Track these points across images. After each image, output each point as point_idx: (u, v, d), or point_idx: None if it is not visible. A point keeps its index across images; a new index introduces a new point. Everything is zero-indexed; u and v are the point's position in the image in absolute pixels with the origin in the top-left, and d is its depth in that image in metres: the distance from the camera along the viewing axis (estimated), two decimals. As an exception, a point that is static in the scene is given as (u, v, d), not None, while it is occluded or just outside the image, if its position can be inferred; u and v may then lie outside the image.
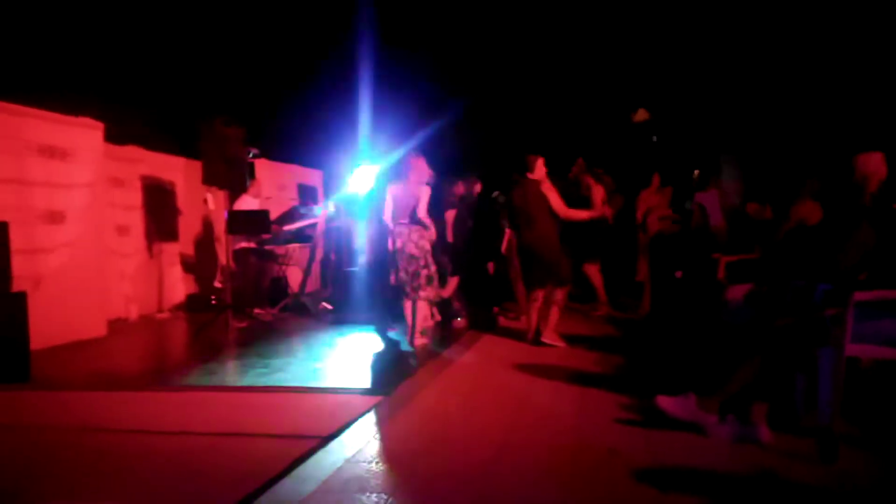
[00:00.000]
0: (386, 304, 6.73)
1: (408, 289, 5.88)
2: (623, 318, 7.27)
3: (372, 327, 6.72)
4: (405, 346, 5.93)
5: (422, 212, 5.79)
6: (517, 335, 6.38)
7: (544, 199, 5.71)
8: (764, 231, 5.77)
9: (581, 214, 6.17)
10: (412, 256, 5.82)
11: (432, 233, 5.96)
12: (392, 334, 6.36)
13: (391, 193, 5.94)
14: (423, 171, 5.92)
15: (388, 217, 5.94)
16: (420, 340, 5.92)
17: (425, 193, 5.82)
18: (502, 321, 7.30)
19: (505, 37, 13.26)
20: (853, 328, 2.88)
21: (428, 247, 5.88)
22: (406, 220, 5.83)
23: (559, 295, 5.81)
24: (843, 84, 9.45)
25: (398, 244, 5.87)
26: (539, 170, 5.82)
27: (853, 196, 3.67)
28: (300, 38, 11.72)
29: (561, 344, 5.68)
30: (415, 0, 12.38)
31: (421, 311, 5.94)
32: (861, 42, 9.21)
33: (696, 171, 9.73)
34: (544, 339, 5.71)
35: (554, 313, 5.80)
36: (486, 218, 7.92)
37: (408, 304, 5.97)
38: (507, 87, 13.98)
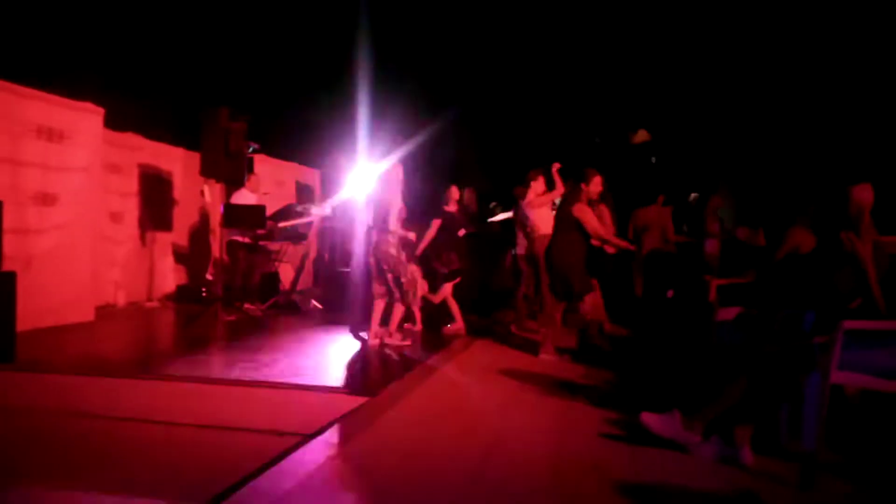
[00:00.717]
0: (364, 306, 6.75)
1: (379, 293, 6.00)
2: (615, 333, 7.27)
3: (354, 328, 6.69)
4: (384, 347, 5.94)
5: (393, 223, 5.86)
6: (507, 344, 6.39)
7: (572, 216, 5.64)
8: (756, 256, 5.81)
9: (616, 243, 6.19)
10: (382, 261, 5.92)
11: (402, 239, 6.03)
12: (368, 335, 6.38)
13: (369, 199, 6.14)
14: (397, 180, 6.00)
15: (368, 222, 6.15)
16: (397, 341, 5.98)
17: (396, 203, 5.91)
18: (495, 329, 7.30)
19: (508, 50, 13.33)
20: (840, 356, 2.89)
21: (393, 252, 5.89)
22: (378, 227, 5.94)
23: (557, 310, 5.81)
24: (838, 111, 9.54)
25: (372, 248, 6.03)
26: (594, 186, 5.74)
27: (847, 226, 3.70)
28: (303, 33, 11.75)
29: (551, 358, 5.67)
30: (419, 7, 12.42)
31: (395, 314, 6.00)
32: (858, 69, 9.31)
33: (694, 195, 9.80)
34: (541, 353, 5.72)
35: (551, 328, 5.79)
36: (483, 227, 7.94)
37: (375, 307, 6.08)
38: (508, 101, 14.05)
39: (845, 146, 8.93)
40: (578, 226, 5.63)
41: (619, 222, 8.45)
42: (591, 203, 6.88)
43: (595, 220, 5.74)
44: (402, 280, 5.91)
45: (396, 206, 5.91)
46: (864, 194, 3.67)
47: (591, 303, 7.05)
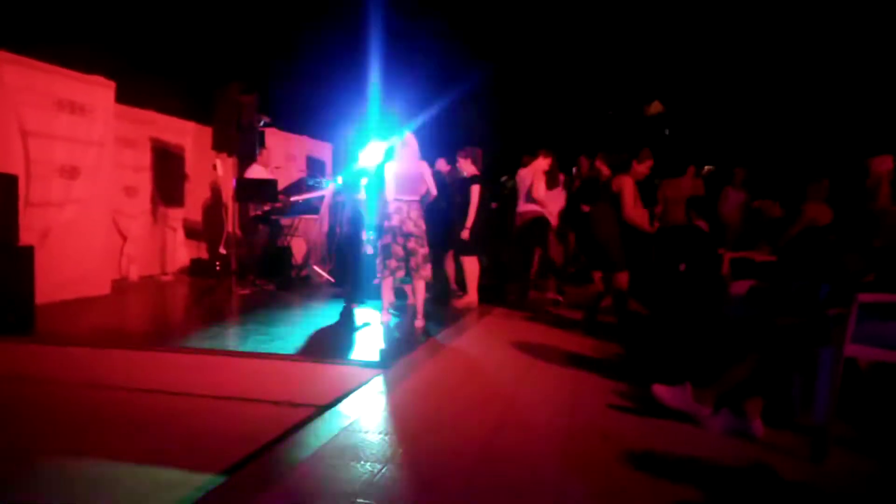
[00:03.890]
0: (357, 279, 6.72)
1: (392, 267, 5.64)
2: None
3: (351, 299, 6.68)
4: (392, 324, 5.83)
5: (433, 188, 5.71)
6: (518, 316, 6.41)
7: (611, 188, 5.69)
8: (772, 229, 5.76)
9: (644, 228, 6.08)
10: (409, 234, 5.61)
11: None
12: (389, 311, 6.38)
13: (389, 171, 5.72)
14: (416, 151, 5.78)
15: (389, 195, 5.71)
16: (421, 322, 5.71)
17: (427, 170, 5.73)
18: (506, 302, 7.32)
19: (520, 22, 13.14)
20: (855, 329, 2.88)
21: (424, 226, 5.68)
22: (404, 197, 5.63)
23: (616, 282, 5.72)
24: (857, 85, 9.35)
25: (394, 221, 5.63)
26: (645, 166, 5.69)
27: (865, 198, 3.66)
28: (313, 6, 11.64)
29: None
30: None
31: (420, 292, 5.74)
32: (876, 43, 9.10)
33: (708, 168, 9.68)
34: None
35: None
36: (492, 201, 7.92)
37: (386, 283, 5.77)
38: (520, 74, 13.88)
39: (862, 118, 8.77)
40: (614, 198, 5.59)
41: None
42: (591, 180, 6.88)
43: (631, 199, 5.63)
44: (425, 252, 5.66)
45: (429, 173, 5.74)
46: (882, 166, 3.63)
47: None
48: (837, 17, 9.48)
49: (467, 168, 6.99)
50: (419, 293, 5.75)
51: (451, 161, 7.62)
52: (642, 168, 5.64)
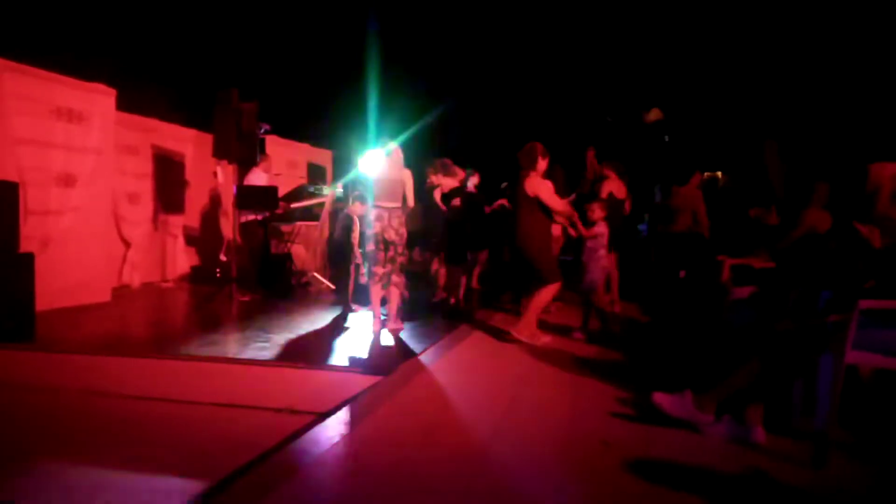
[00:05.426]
0: (346, 285, 6.86)
1: (380, 274, 5.68)
2: (626, 314, 7.26)
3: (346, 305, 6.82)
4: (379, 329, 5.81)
5: (410, 199, 5.70)
6: (516, 323, 6.40)
7: (527, 193, 5.38)
8: (768, 235, 5.75)
9: (576, 222, 5.73)
10: (389, 242, 5.62)
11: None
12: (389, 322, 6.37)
13: (372, 178, 5.70)
14: (400, 159, 5.75)
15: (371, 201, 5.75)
16: (394, 325, 5.76)
17: (409, 178, 5.71)
18: (505, 309, 7.32)
19: (521, 28, 13.19)
20: (856, 335, 2.88)
21: (405, 233, 5.70)
22: (384, 204, 5.61)
23: (543, 293, 5.46)
24: (857, 90, 9.37)
25: (375, 227, 5.60)
26: (539, 163, 5.42)
27: (864, 205, 3.65)
28: (313, 13, 11.69)
29: (539, 342, 5.38)
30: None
31: (396, 298, 5.77)
32: (875, 46, 9.12)
33: (706, 174, 9.70)
34: (512, 332, 5.45)
35: (531, 310, 5.47)
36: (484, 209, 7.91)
37: (374, 290, 5.77)
38: (521, 80, 13.92)
39: (862, 125, 8.79)
40: (533, 202, 5.36)
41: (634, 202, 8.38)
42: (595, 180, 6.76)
43: (555, 195, 5.38)
44: (403, 259, 5.70)
45: (411, 183, 5.70)
46: (882, 172, 3.62)
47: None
48: (836, 21, 9.51)
49: (440, 182, 7.14)
50: (393, 300, 5.78)
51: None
52: (545, 164, 5.46)
